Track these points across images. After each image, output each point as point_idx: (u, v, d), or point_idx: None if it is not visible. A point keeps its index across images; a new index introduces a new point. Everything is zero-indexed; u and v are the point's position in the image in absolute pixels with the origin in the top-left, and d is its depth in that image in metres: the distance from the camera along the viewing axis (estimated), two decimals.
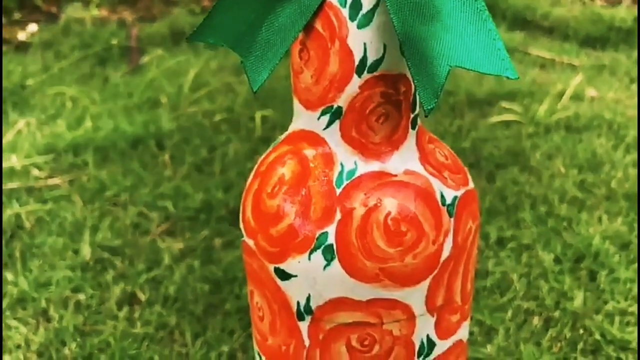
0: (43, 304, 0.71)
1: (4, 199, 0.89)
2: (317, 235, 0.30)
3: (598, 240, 0.83)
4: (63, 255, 0.78)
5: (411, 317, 0.31)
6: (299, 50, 0.31)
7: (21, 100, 1.19)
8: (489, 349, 0.66)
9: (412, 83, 0.31)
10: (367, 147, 0.31)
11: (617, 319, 0.70)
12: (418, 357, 0.33)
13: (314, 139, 0.32)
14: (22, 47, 1.41)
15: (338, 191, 0.31)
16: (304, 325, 0.32)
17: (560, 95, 1.28)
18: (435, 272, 0.31)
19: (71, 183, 0.93)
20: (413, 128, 0.32)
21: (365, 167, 0.31)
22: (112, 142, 1.03)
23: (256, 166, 0.35)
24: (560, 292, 0.75)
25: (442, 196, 0.31)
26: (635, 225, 0.87)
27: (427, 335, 0.33)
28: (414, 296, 0.31)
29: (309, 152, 0.32)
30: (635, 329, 0.69)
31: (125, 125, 1.07)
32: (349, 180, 0.31)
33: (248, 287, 0.36)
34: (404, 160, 0.32)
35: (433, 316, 0.32)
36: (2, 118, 1.13)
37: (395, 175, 0.31)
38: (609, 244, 0.82)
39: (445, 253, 0.31)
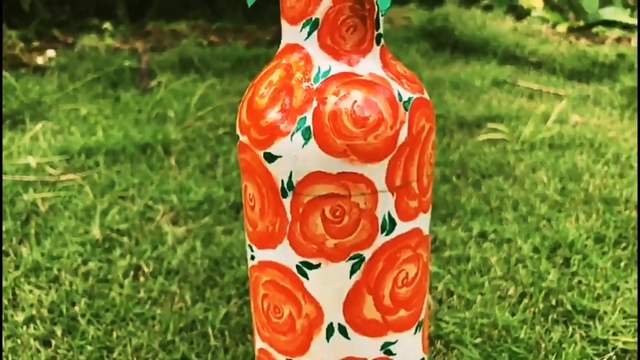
0: (55, 272, 0.77)
1: (19, 189, 0.95)
2: (297, 120, 0.37)
3: (574, 234, 0.88)
4: (74, 233, 0.84)
5: (374, 192, 0.38)
6: None
7: (37, 114, 1.27)
8: (467, 314, 0.71)
9: (374, 4, 0.38)
10: (339, 53, 0.38)
11: (588, 294, 0.75)
12: (381, 232, 0.39)
13: (297, 49, 0.39)
14: (40, 70, 1.51)
15: (315, 86, 0.38)
16: (287, 202, 0.39)
17: (546, 119, 1.35)
18: (393, 153, 0.38)
19: (83, 179, 1.00)
20: (377, 44, 0.40)
21: (338, 68, 0.38)
22: (122, 147, 1.10)
23: (251, 82, 0.42)
24: (537, 274, 0.80)
25: (399, 94, 0.38)
26: (611, 223, 0.92)
27: (389, 213, 0.39)
28: (376, 173, 0.38)
29: (293, 58, 0.39)
30: (607, 302, 0.74)
31: (135, 134, 1.15)
32: (324, 78, 0.38)
33: (242, 184, 0.43)
34: (369, 66, 0.39)
35: (393, 195, 0.38)
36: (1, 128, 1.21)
37: (361, 76, 0.38)
38: (584, 237, 0.88)
39: (401, 139, 0.38)
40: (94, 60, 1.53)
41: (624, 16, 2.10)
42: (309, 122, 0.37)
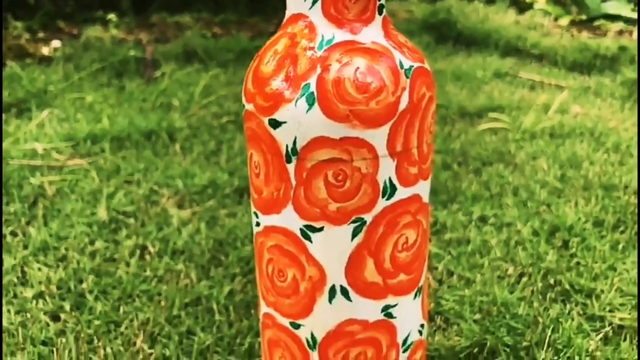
0: (63, 251, 0.78)
1: (27, 173, 0.97)
2: (301, 86, 0.39)
3: (573, 218, 0.89)
4: (81, 215, 0.86)
5: (375, 157, 0.39)
6: None
7: (43, 102, 1.28)
8: (467, 292, 0.73)
9: None
10: (342, 22, 0.40)
11: (586, 274, 0.77)
12: (382, 196, 0.40)
13: (301, 18, 0.41)
14: (45, 60, 1.52)
15: (319, 54, 0.39)
16: (291, 168, 0.40)
17: (547, 109, 1.36)
18: (394, 119, 0.39)
19: (89, 164, 1.02)
20: (380, 14, 0.41)
21: (341, 36, 0.40)
22: (127, 134, 1.12)
23: (257, 53, 0.44)
24: (536, 255, 0.81)
25: (401, 62, 0.40)
26: (610, 208, 0.93)
27: (390, 178, 0.40)
28: (377, 138, 0.39)
29: (297, 27, 0.41)
30: (604, 282, 0.75)
31: (140, 121, 1.16)
32: (327, 46, 0.39)
33: (248, 152, 0.44)
34: (372, 34, 0.40)
35: (393, 160, 0.40)
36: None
37: (364, 44, 0.40)
38: (583, 221, 0.89)
39: (402, 105, 0.39)
40: (99, 51, 1.55)
41: (626, 10, 2.11)
42: (312, 88, 0.38)
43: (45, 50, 1.54)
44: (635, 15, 2.06)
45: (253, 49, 1.71)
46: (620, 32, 1.94)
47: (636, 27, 1.98)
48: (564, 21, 2.07)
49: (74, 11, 1.91)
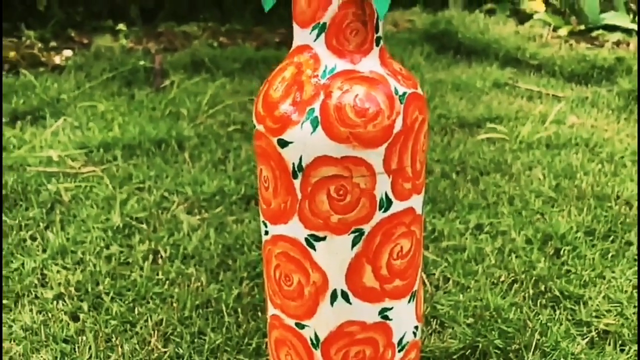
0: (80, 255, 0.83)
1: (43, 179, 1.02)
2: (307, 110, 0.43)
3: (566, 227, 0.93)
4: (96, 221, 0.90)
5: (373, 174, 0.44)
6: None
7: (57, 111, 1.33)
8: (461, 297, 0.77)
9: (374, 10, 0.44)
10: (343, 53, 0.45)
11: (575, 282, 0.81)
12: (379, 209, 0.45)
13: (307, 49, 0.46)
14: (58, 69, 1.57)
15: (322, 81, 0.44)
16: (297, 183, 0.45)
17: (544, 119, 1.40)
18: (390, 140, 0.44)
19: (102, 172, 1.06)
20: (377, 45, 0.46)
21: (342, 66, 0.45)
22: (138, 142, 1.16)
23: (264, 80, 0.48)
24: (528, 263, 0.85)
25: (396, 89, 0.45)
26: (601, 217, 0.97)
27: (386, 193, 0.45)
28: (374, 157, 0.44)
29: (303, 57, 0.46)
30: (593, 289, 0.79)
31: (150, 130, 1.21)
32: (330, 74, 0.44)
33: (258, 168, 0.49)
34: (370, 64, 0.45)
35: (389, 177, 0.45)
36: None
37: (363, 73, 0.45)
38: (575, 230, 0.93)
39: (397, 128, 0.44)
40: (109, 60, 1.60)
41: (624, 21, 2.15)
42: (316, 113, 0.43)
43: (57, 59, 1.59)
44: (632, 26, 2.10)
45: (259, 59, 1.75)
46: (617, 44, 1.98)
47: (632, 37, 2.02)
48: (563, 31, 2.11)
49: (84, 19, 1.96)
